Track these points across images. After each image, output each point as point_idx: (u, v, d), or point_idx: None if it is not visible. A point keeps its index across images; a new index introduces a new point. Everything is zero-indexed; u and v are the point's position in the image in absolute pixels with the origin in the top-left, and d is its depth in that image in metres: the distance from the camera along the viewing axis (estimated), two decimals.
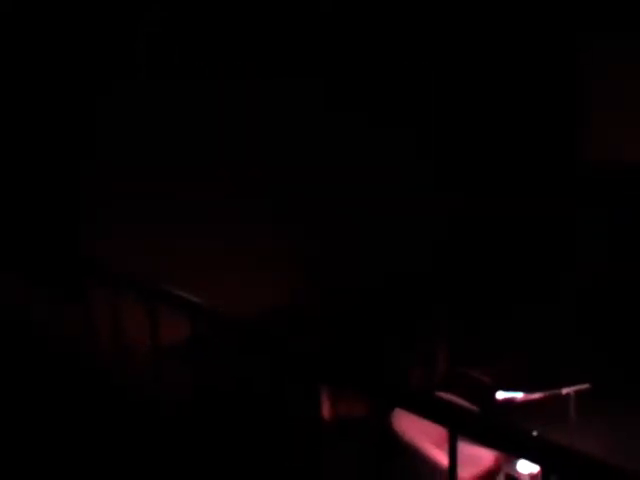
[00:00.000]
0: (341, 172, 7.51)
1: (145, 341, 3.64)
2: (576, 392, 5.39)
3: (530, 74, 7.91)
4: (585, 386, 5.39)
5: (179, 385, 3.70)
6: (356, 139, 7.59)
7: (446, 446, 2.67)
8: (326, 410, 6.02)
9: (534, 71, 7.91)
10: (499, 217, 7.98)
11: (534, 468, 5.33)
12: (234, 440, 3.54)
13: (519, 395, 5.42)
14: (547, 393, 5.39)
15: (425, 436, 5.42)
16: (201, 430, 3.69)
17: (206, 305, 3.20)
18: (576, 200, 7.95)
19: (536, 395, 5.40)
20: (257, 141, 7.04)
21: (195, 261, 6.39)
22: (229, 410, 3.71)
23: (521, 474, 5.43)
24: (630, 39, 7.45)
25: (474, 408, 5.78)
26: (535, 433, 5.29)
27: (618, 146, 7.73)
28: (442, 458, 5.20)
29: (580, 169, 7.91)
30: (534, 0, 7.67)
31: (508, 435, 2.32)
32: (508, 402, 5.45)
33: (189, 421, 3.74)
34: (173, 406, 3.81)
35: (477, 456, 5.32)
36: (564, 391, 5.40)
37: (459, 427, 2.40)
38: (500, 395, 5.46)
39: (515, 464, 5.42)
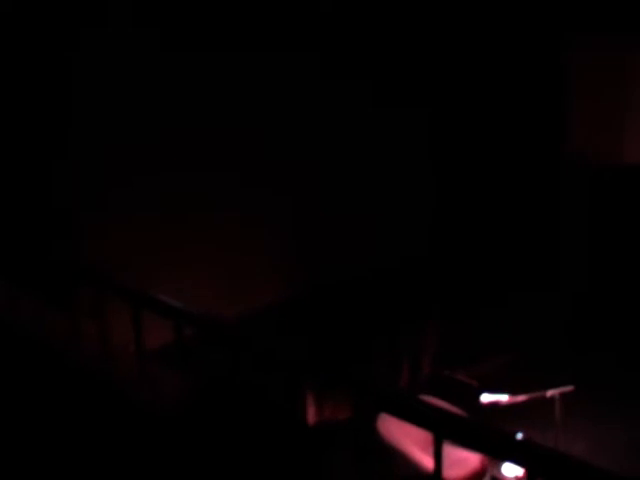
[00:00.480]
0: (334, 167, 7.49)
1: (131, 344, 3.64)
2: (561, 394, 5.41)
3: (516, 73, 7.96)
4: (569, 388, 5.41)
5: (166, 388, 3.69)
6: (350, 132, 7.58)
7: (431, 449, 2.68)
8: (311, 414, 6.02)
9: (520, 70, 7.95)
10: (485, 221, 8.02)
11: (519, 471, 5.36)
12: (219, 445, 3.54)
13: (504, 398, 5.43)
14: (532, 395, 5.41)
15: (410, 439, 5.43)
16: (188, 433, 3.69)
17: (190, 310, 3.20)
18: (560, 199, 8.00)
19: (521, 397, 5.41)
20: (246, 131, 6.96)
21: (183, 261, 6.36)
22: (215, 413, 3.70)
23: (506, 477, 5.45)
24: (613, 40, 7.50)
25: (459, 411, 5.81)
26: (520, 436, 5.31)
27: (605, 148, 7.77)
28: (427, 461, 5.21)
29: (564, 168, 7.96)
30: (522, 2, 7.72)
31: (493, 439, 2.32)
32: (493, 405, 5.46)
33: (176, 424, 3.73)
34: (159, 408, 3.80)
35: (463, 458, 5.34)
36: (549, 393, 5.42)
37: (444, 432, 2.40)
38: (485, 398, 5.47)
39: (501, 466, 5.45)
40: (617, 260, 7.69)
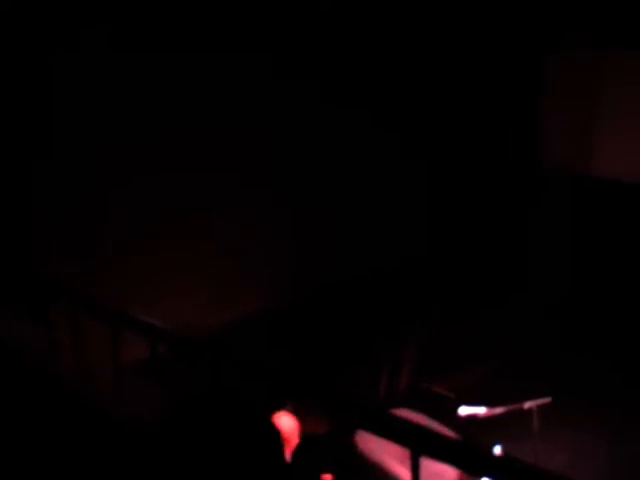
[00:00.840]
0: (330, 169, 7.47)
1: (108, 359, 3.62)
2: (538, 406, 5.42)
3: (490, 85, 8.02)
4: (547, 400, 5.43)
5: (142, 404, 3.67)
6: (339, 139, 7.58)
7: (409, 463, 2.67)
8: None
9: (494, 82, 8.01)
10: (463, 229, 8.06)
11: None
12: (196, 459, 3.52)
13: (482, 410, 5.44)
14: (510, 407, 5.42)
15: (388, 453, 5.42)
16: (164, 448, 3.67)
17: (167, 328, 3.18)
18: (535, 209, 8.05)
19: (499, 410, 5.42)
20: (236, 132, 6.89)
21: (168, 269, 6.30)
22: (193, 427, 3.69)
23: None
24: (583, 55, 7.58)
25: (438, 423, 5.81)
26: (498, 448, 5.34)
27: (579, 160, 7.84)
28: (406, 475, 5.20)
29: (541, 179, 8.02)
30: (497, 16, 7.78)
31: (470, 454, 2.33)
32: (471, 417, 5.46)
33: (152, 439, 3.71)
34: (136, 425, 3.77)
35: (441, 472, 5.34)
36: (526, 405, 5.43)
37: (421, 448, 2.41)
38: (463, 410, 5.47)
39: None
40: (596, 270, 7.75)
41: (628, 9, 7.07)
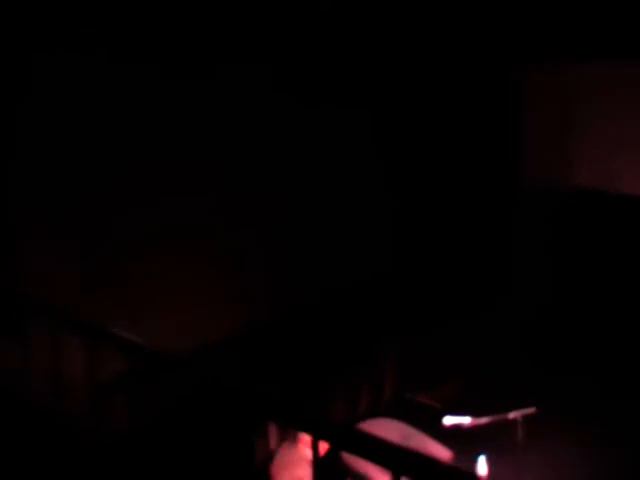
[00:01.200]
0: (295, 190, 7.40)
1: (83, 375, 3.56)
2: (523, 416, 5.39)
3: (469, 97, 8.00)
4: (531, 410, 5.40)
5: (115, 420, 3.62)
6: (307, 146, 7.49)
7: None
8: (273, 438, 5.94)
9: (472, 94, 7.99)
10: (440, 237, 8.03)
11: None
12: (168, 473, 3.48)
13: (467, 420, 5.40)
14: (494, 418, 5.39)
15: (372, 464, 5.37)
16: (133, 463, 3.62)
17: (142, 344, 3.13)
18: (516, 222, 8.04)
19: (483, 420, 5.39)
20: (200, 155, 6.81)
21: (142, 288, 6.22)
22: (165, 443, 3.65)
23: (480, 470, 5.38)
24: (565, 61, 7.59)
25: (422, 434, 5.77)
26: (483, 459, 5.29)
27: (560, 171, 7.85)
28: None
29: (520, 193, 8.02)
30: (474, 30, 7.77)
31: (450, 475, 2.28)
32: (456, 427, 5.42)
33: (123, 455, 3.66)
34: (111, 439, 3.72)
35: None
36: (511, 415, 5.40)
37: (403, 468, 2.36)
38: (448, 420, 5.43)
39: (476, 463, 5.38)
40: (578, 282, 7.73)
41: (607, 25, 7.08)
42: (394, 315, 7.52)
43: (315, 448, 2.58)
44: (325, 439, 2.61)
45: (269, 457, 5.06)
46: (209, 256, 6.72)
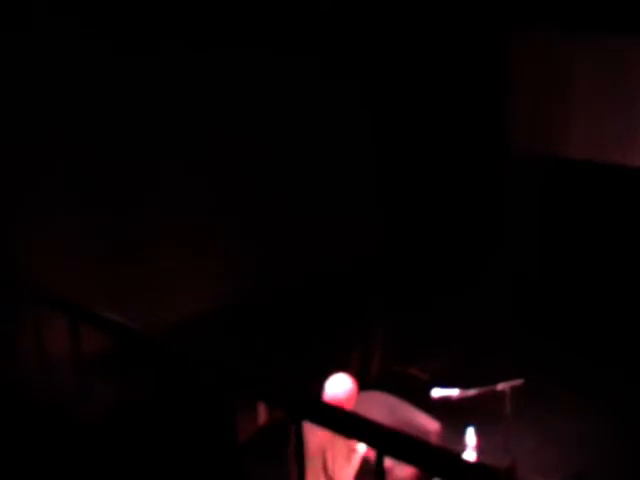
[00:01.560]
0: (281, 168, 7.34)
1: (66, 354, 3.54)
2: (511, 388, 5.41)
3: (459, 65, 7.93)
4: (519, 382, 5.41)
5: (101, 397, 3.61)
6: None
7: None
8: (262, 415, 5.96)
9: (463, 62, 7.92)
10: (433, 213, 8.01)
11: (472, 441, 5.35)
12: (154, 454, 3.48)
13: (455, 392, 5.41)
14: (482, 389, 5.40)
15: None
16: (117, 441, 3.63)
17: (125, 323, 3.11)
18: (507, 191, 8.01)
19: (472, 392, 5.40)
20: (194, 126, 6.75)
21: (125, 268, 6.19)
22: (149, 423, 3.65)
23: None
24: (557, 33, 7.53)
25: (411, 406, 5.79)
26: (471, 431, 5.30)
27: (549, 140, 7.81)
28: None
29: (511, 161, 7.98)
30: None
31: (435, 457, 2.27)
32: (444, 399, 5.43)
33: (110, 433, 3.66)
34: (93, 418, 3.72)
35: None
36: (499, 387, 5.41)
37: (387, 448, 2.35)
38: (436, 392, 5.44)
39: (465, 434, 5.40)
40: (566, 252, 7.72)
41: None
42: (384, 288, 7.52)
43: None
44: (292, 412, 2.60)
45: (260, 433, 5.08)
46: (197, 238, 6.71)
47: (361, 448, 5.10)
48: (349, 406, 5.14)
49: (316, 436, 4.81)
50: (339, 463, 5.06)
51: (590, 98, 7.52)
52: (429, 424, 5.54)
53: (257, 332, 6.53)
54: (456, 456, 2.39)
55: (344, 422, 2.53)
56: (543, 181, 7.82)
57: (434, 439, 5.50)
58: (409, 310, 7.38)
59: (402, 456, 2.33)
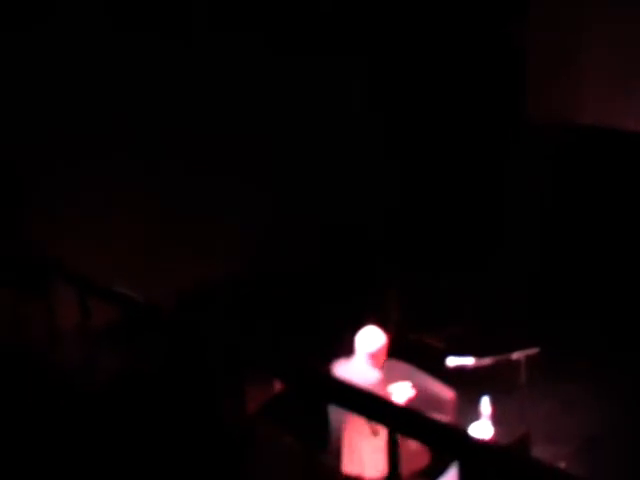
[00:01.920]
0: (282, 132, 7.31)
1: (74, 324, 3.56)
2: (526, 357, 5.36)
3: (468, 33, 7.80)
4: (534, 351, 5.36)
5: (103, 368, 3.63)
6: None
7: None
8: (278, 382, 5.94)
9: (472, 30, 7.79)
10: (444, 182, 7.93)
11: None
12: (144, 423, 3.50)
13: (470, 361, 5.36)
14: (497, 358, 5.35)
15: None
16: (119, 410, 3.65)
17: (132, 295, 3.10)
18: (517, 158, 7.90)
19: (487, 361, 5.35)
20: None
21: (123, 240, 6.21)
22: (154, 393, 3.66)
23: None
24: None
25: (426, 375, 5.75)
26: (486, 400, 5.25)
27: (562, 107, 7.68)
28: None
29: (522, 129, 7.85)
30: None
31: (447, 435, 2.23)
32: (459, 368, 5.39)
33: (110, 401, 3.68)
34: (95, 388, 3.74)
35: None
36: (514, 356, 5.37)
37: (399, 427, 2.31)
38: (451, 361, 5.40)
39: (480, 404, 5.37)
40: (579, 221, 7.61)
41: None
42: (399, 256, 7.47)
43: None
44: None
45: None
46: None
47: (398, 396, 5.15)
48: (380, 361, 5.13)
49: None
50: None
51: (604, 64, 7.37)
52: (444, 393, 5.51)
53: (268, 304, 6.53)
54: (467, 435, 2.35)
55: (356, 399, 2.49)
56: (555, 147, 7.69)
57: (449, 408, 5.47)
58: (425, 279, 7.33)
59: (415, 434, 2.29)
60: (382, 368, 5.20)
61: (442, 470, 5.66)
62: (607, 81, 7.39)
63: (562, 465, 5.43)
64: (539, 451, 5.35)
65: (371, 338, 5.19)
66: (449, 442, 2.24)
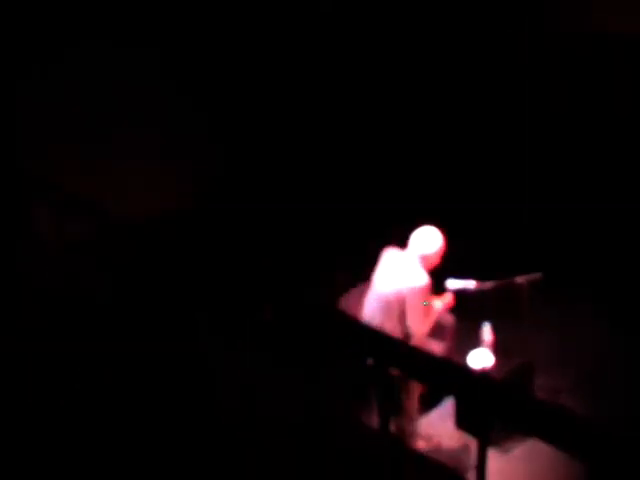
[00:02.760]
0: None
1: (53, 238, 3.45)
2: (529, 281, 5.20)
3: None
4: (538, 275, 5.20)
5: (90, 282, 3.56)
6: None
7: None
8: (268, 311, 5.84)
9: None
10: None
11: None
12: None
13: (471, 284, 5.19)
14: (500, 282, 5.19)
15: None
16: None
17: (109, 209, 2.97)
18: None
19: (489, 284, 5.18)
20: None
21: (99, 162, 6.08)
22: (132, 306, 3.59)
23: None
24: None
25: None
26: (487, 326, 5.10)
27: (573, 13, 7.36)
28: None
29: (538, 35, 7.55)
30: None
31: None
32: (461, 291, 5.22)
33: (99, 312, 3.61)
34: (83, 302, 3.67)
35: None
36: (517, 280, 5.20)
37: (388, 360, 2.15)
38: (452, 284, 5.22)
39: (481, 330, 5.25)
40: (595, 127, 7.35)
41: None
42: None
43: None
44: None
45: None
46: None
47: (437, 304, 5.06)
48: (436, 262, 4.93)
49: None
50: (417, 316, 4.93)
51: None
52: (444, 318, 5.34)
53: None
54: (462, 369, 2.20)
55: (346, 331, 2.33)
56: (571, 53, 7.40)
57: (448, 333, 5.33)
58: (426, 198, 7.18)
59: (404, 368, 2.13)
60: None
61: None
62: None
63: (561, 396, 5.37)
64: (539, 382, 5.27)
65: (429, 238, 4.98)
66: (444, 378, 2.09)
